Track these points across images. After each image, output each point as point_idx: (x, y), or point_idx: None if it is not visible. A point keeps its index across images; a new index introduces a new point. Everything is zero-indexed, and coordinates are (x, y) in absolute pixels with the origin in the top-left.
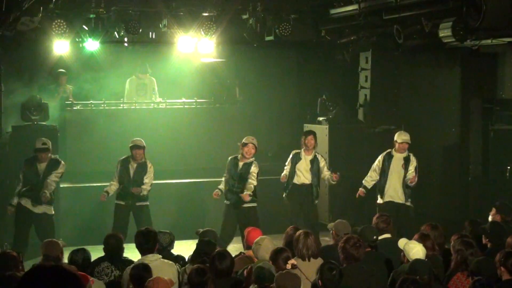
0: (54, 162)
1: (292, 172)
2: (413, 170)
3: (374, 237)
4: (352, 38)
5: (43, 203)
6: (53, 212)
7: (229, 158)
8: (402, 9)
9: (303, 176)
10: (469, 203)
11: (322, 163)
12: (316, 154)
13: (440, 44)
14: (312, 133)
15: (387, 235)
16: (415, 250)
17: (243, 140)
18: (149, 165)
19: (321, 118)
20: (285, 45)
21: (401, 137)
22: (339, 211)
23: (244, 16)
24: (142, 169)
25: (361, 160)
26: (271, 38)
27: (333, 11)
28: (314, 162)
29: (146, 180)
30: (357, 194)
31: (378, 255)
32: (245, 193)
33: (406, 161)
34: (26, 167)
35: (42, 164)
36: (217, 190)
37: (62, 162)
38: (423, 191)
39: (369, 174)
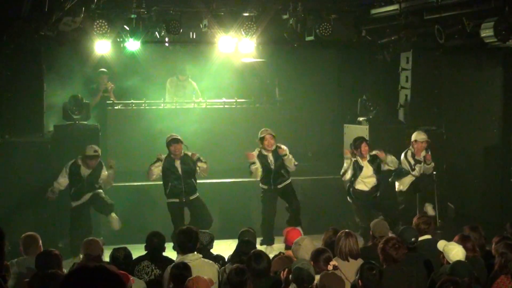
0: (98, 165)
1: (354, 178)
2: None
3: (413, 239)
4: (392, 38)
5: (89, 192)
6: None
7: (256, 154)
8: (443, 9)
9: (369, 183)
10: (510, 205)
11: (382, 156)
12: (369, 153)
13: (482, 44)
14: (364, 140)
15: (428, 236)
16: (454, 251)
17: (259, 135)
18: (192, 154)
19: (361, 118)
20: (325, 45)
21: (420, 135)
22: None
23: (285, 16)
24: (188, 162)
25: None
26: (311, 38)
27: (373, 11)
28: (373, 162)
29: (202, 166)
30: None
31: (418, 256)
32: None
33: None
34: (71, 171)
35: (88, 170)
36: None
37: (103, 165)
38: (464, 192)
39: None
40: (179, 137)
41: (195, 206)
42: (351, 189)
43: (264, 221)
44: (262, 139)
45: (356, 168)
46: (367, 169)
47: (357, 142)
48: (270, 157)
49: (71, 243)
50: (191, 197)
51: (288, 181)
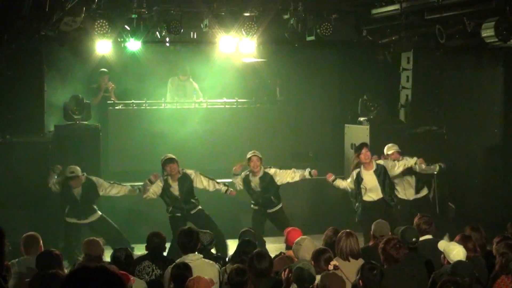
0: (89, 185)
1: (359, 192)
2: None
3: (414, 239)
4: (393, 38)
5: (88, 216)
6: (100, 213)
7: (243, 177)
8: (444, 9)
9: (374, 193)
10: (511, 204)
11: (390, 164)
12: (376, 162)
13: (483, 44)
14: (365, 145)
15: (429, 236)
16: (455, 251)
17: (247, 156)
18: (190, 173)
19: (362, 118)
20: (326, 45)
21: (391, 148)
22: None
23: (285, 16)
24: (185, 183)
25: None
26: (312, 38)
27: (374, 11)
28: (378, 171)
29: (204, 185)
30: None
31: (419, 256)
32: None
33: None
34: (64, 189)
35: (77, 189)
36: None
37: (94, 179)
38: (464, 191)
39: None
40: (174, 157)
41: (198, 219)
42: (359, 206)
43: None
44: (248, 160)
45: (358, 179)
46: (368, 180)
47: (358, 147)
48: (256, 181)
49: (65, 250)
50: (192, 212)
51: (278, 207)
